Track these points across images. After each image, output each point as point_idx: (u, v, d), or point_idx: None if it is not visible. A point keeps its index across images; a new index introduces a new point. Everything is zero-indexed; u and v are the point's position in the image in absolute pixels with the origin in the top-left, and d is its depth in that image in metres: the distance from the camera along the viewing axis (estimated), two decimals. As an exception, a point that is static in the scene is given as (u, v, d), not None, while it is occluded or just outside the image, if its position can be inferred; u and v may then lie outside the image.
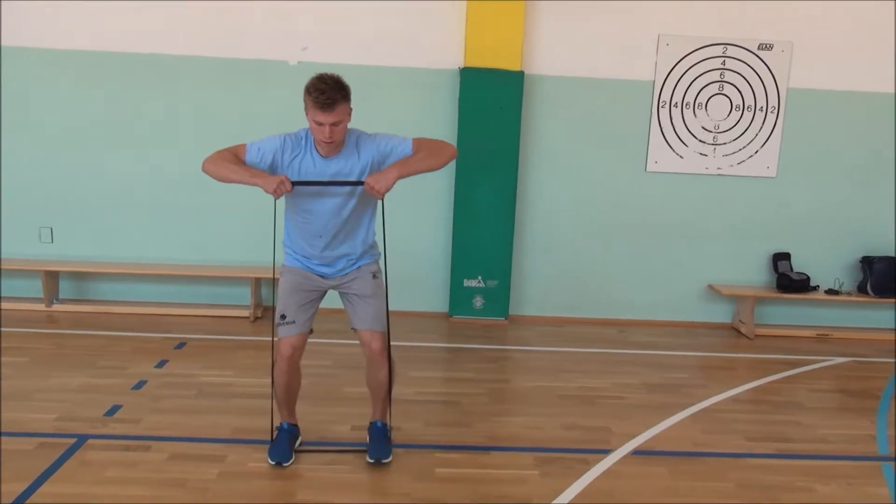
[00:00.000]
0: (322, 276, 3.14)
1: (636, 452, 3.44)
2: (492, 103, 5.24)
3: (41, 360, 4.34)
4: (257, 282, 5.35)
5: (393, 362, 3.23)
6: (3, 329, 4.86)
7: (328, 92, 2.78)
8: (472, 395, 4.09)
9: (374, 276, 3.18)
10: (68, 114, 5.31)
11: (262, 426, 3.50)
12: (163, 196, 5.38)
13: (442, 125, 5.41)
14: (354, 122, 5.16)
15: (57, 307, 5.35)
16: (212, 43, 5.25)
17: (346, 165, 2.98)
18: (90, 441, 3.30)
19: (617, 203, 5.55)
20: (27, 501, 2.78)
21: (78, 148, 5.35)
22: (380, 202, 3.09)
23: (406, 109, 5.39)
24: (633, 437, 3.60)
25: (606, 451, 3.43)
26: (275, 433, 3.27)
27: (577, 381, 4.40)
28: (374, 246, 3.21)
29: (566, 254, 5.60)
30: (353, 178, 2.97)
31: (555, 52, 5.33)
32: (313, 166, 2.96)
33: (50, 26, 5.20)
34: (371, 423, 3.33)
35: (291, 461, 3.17)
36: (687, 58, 5.38)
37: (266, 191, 2.82)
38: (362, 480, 3.08)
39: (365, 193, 2.98)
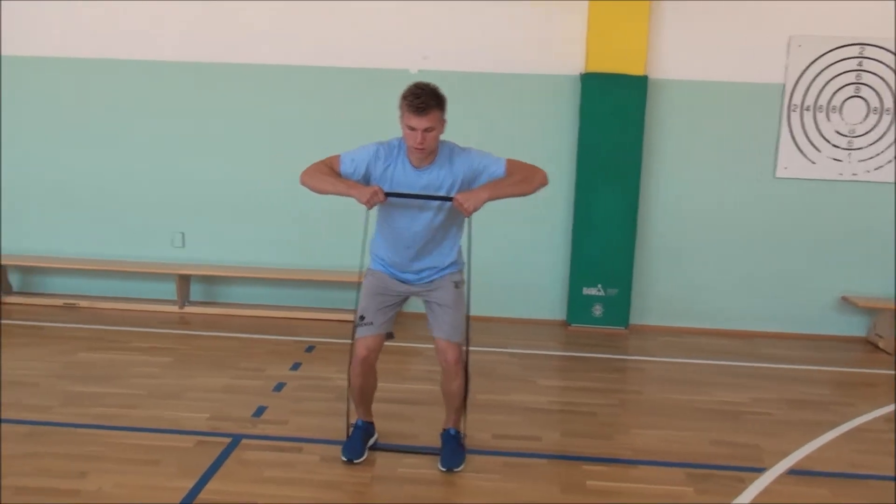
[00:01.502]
0: (404, 281, 3.15)
1: (792, 472, 3.30)
2: (614, 109, 5.16)
3: (184, 361, 4.51)
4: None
5: (468, 373, 3.20)
6: (140, 329, 5.11)
7: (423, 97, 2.80)
8: (606, 406, 4.03)
9: (457, 286, 3.17)
10: (202, 122, 5.54)
11: (405, 431, 3.55)
12: (288, 202, 5.52)
13: (562, 132, 5.37)
14: (474, 129, 5.27)
15: (188, 309, 5.57)
16: (337, 53, 5.37)
17: (437, 177, 2.97)
18: (244, 441, 3.40)
19: (744, 210, 5.37)
20: (198, 497, 2.89)
21: (208, 155, 5.57)
22: (467, 223, 3.10)
23: (525, 116, 5.39)
24: (786, 455, 3.45)
25: (760, 470, 3.30)
26: (350, 430, 3.31)
27: (711, 394, 4.27)
28: (459, 257, 3.20)
29: (690, 262, 5.46)
30: (443, 191, 2.97)
31: (680, 55, 5.21)
32: (404, 176, 2.97)
33: (180, 38, 5.45)
34: (444, 430, 3.32)
35: (363, 458, 3.22)
36: (820, 59, 5.17)
37: (360, 201, 2.86)
38: (513, 489, 3.06)
39: (454, 209, 2.97)
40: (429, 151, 2.93)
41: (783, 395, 4.27)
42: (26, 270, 5.82)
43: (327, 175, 2.95)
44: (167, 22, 5.42)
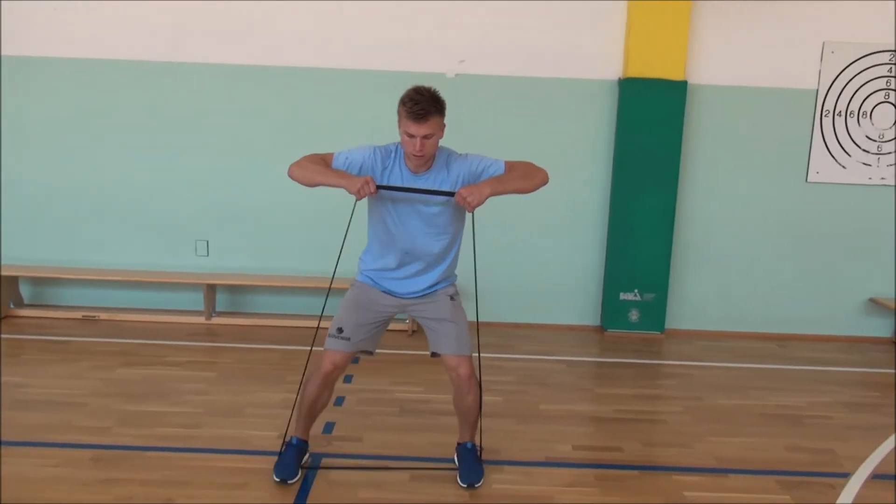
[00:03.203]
0: (393, 294, 3.04)
1: (877, 476, 3.32)
2: (653, 114, 5.15)
3: (229, 376, 4.34)
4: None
5: (481, 385, 3.09)
6: (171, 343, 4.91)
7: (422, 103, 2.70)
8: (672, 414, 4.01)
9: (452, 298, 3.06)
10: (226, 126, 5.36)
11: (487, 445, 3.46)
12: (311, 208, 5.34)
13: (598, 136, 5.36)
14: (510, 133, 5.21)
15: (215, 320, 5.38)
16: (371, 56, 5.25)
17: (434, 183, 2.88)
18: (325, 460, 3.28)
19: (777, 214, 5.42)
20: (301, 523, 2.77)
21: (231, 159, 5.38)
22: (468, 224, 3.01)
23: (562, 121, 5.35)
24: (862, 459, 3.48)
25: (844, 475, 3.31)
26: (282, 447, 3.15)
27: (766, 398, 4.28)
28: (453, 270, 3.11)
29: (724, 266, 5.49)
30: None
31: (717, 60, 5.23)
32: (401, 181, 2.87)
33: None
34: (460, 444, 3.24)
35: (297, 478, 3.08)
36: (852, 65, 5.25)
37: (349, 191, 2.73)
38: (613, 503, 3.01)
39: (454, 210, 2.90)
40: (427, 158, 2.84)
41: (837, 399, 4.31)
42: (38, 281, 5.55)
43: (318, 165, 2.83)
44: (193, 24, 5.23)
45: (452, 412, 3.81)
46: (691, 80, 5.21)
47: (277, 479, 3.03)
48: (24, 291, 5.54)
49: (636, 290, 5.39)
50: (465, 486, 3.07)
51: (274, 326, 5.34)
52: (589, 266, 5.54)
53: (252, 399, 3.97)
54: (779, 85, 5.27)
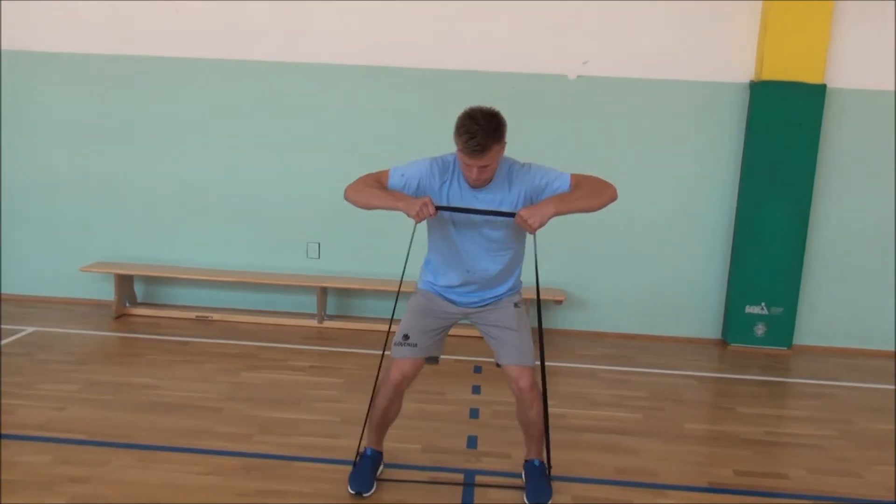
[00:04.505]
0: (456, 303, 2.91)
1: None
2: (787, 120, 4.90)
3: (357, 382, 4.26)
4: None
5: (546, 398, 2.89)
6: (288, 346, 4.88)
7: (478, 137, 2.53)
8: (829, 438, 3.76)
9: (516, 306, 2.91)
10: (337, 126, 5.31)
11: (642, 467, 3.29)
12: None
13: (725, 142, 5.13)
14: (631, 137, 5.01)
15: (326, 323, 5.32)
16: (490, 56, 5.12)
17: (495, 198, 2.73)
18: (478, 477, 3.15)
19: (919, 226, 5.11)
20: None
21: (345, 160, 5.29)
22: (531, 239, 2.84)
23: (686, 124, 5.15)
24: None
25: None
26: (357, 458, 3.04)
27: (923, 424, 4.01)
28: (518, 280, 2.96)
29: (861, 280, 5.18)
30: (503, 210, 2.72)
31: (858, 62, 4.94)
32: (460, 196, 2.73)
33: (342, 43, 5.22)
34: (526, 461, 3.06)
35: (372, 491, 2.94)
36: None
37: (408, 214, 2.60)
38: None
39: (515, 228, 2.73)
40: (485, 181, 2.71)
41: None
42: (150, 280, 5.58)
43: (374, 188, 2.72)
44: (310, 24, 5.19)
45: (595, 429, 3.73)
46: (831, 84, 4.93)
47: (353, 492, 2.93)
48: (137, 290, 5.58)
49: (763, 304, 5.13)
50: None
51: (385, 332, 5.23)
52: (710, 276, 5.30)
53: (385, 408, 3.87)
54: (928, 89, 4.96)
